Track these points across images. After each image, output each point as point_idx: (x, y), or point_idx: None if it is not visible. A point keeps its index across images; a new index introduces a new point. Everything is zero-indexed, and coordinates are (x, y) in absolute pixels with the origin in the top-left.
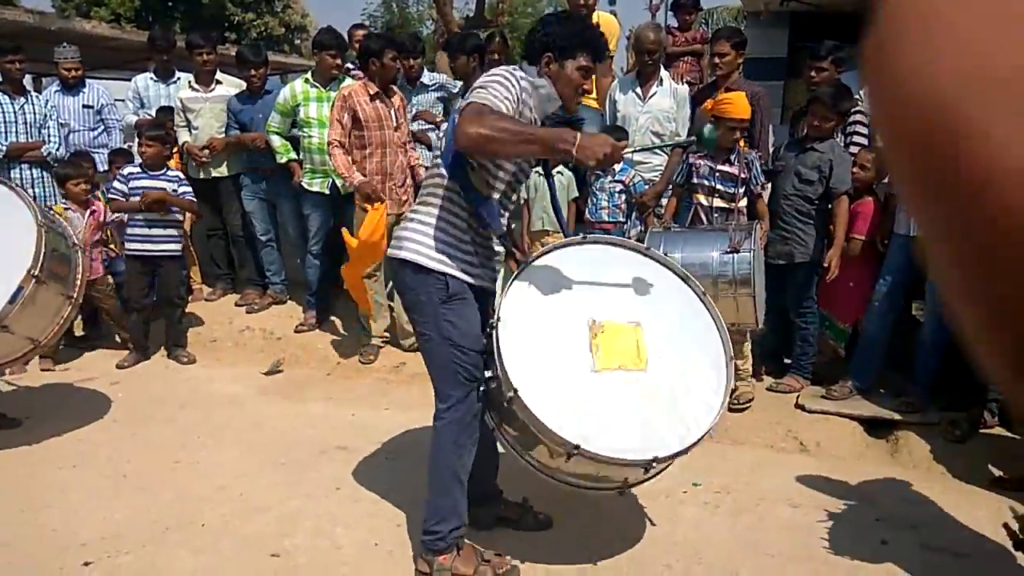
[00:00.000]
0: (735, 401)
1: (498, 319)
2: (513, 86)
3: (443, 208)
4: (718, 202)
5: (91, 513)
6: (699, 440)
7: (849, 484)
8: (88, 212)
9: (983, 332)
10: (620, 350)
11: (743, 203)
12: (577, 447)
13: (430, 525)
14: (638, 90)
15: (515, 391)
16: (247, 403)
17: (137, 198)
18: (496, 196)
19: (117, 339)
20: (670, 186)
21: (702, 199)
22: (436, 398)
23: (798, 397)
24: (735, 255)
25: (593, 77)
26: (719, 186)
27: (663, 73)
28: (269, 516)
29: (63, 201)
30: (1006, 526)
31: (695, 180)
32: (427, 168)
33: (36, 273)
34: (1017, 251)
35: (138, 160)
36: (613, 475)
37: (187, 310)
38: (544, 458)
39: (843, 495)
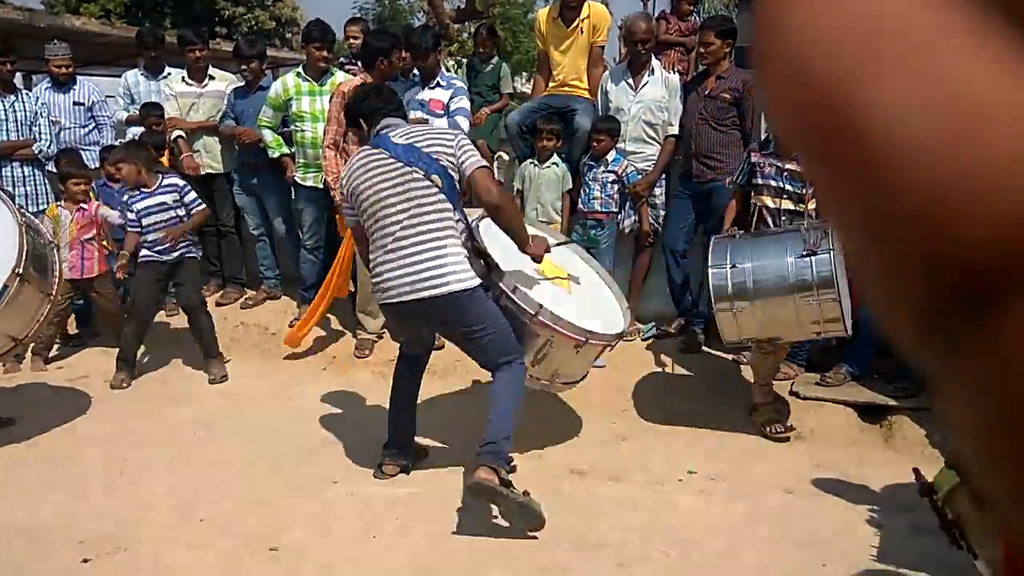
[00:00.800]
0: (772, 431)
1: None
2: None
3: (460, 234)
4: (786, 204)
5: (89, 510)
6: (622, 333)
7: (844, 469)
8: (76, 209)
9: (885, 297)
10: (554, 271)
11: (812, 204)
12: (591, 332)
13: (502, 443)
14: (630, 80)
15: (540, 306)
16: (242, 398)
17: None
18: None
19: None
20: (662, 174)
21: (768, 201)
22: (502, 357)
23: (792, 384)
24: (813, 257)
25: (583, 68)
26: (787, 186)
27: (654, 63)
28: (267, 510)
29: (59, 202)
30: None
31: (759, 181)
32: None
33: (20, 271)
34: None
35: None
36: (589, 356)
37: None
38: (556, 363)
39: (838, 480)
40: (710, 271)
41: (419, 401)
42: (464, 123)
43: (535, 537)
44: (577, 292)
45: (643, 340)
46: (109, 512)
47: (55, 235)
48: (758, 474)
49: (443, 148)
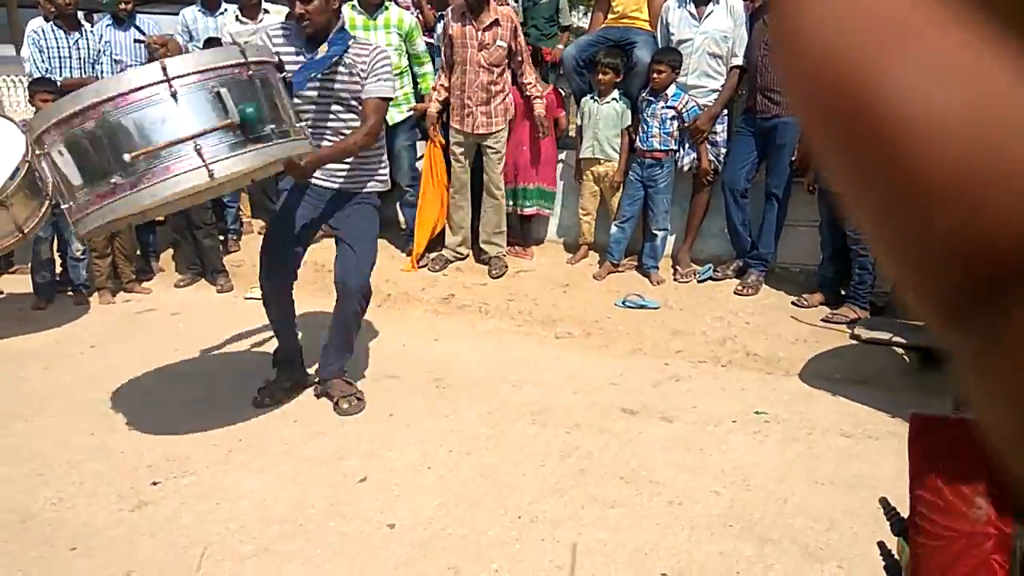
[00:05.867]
0: None
1: None
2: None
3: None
4: None
5: (157, 437)
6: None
7: (902, 415)
8: None
9: (911, 282)
10: None
11: None
12: None
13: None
14: (692, 9)
15: None
16: (301, 333)
17: None
18: None
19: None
20: (724, 109)
21: None
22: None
23: (854, 327)
24: None
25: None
26: None
27: None
28: (326, 440)
29: None
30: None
31: None
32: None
33: (29, 159)
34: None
35: None
36: None
37: (239, 242)
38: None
39: (896, 425)
40: None
41: (461, 340)
42: None
43: (584, 472)
44: None
45: (699, 282)
46: (177, 439)
47: None
48: (814, 417)
49: None
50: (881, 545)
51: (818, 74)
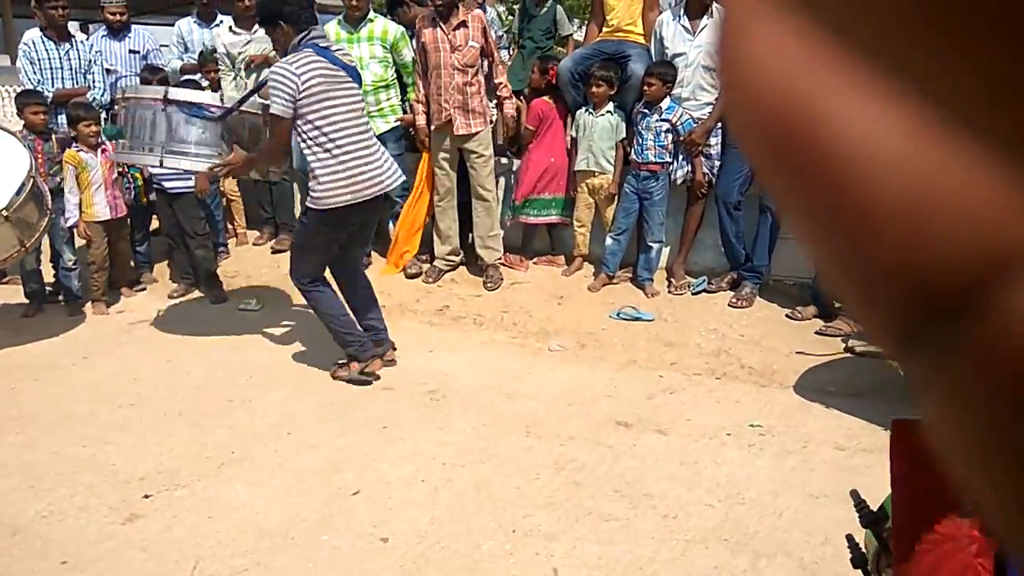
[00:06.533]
0: None
1: None
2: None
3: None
4: None
5: (149, 449)
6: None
7: None
8: (100, 151)
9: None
10: None
11: None
12: None
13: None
14: (687, 23)
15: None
16: (294, 345)
17: None
18: None
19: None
20: (718, 122)
21: None
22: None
23: (848, 340)
24: None
25: (638, 13)
26: None
27: (714, 5)
28: (319, 453)
29: (74, 145)
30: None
31: None
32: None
33: (35, 175)
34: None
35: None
36: None
37: (232, 254)
38: None
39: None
40: None
41: (456, 352)
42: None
43: (579, 485)
44: None
45: (693, 294)
46: (169, 451)
47: (78, 179)
48: (808, 430)
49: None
50: (849, 538)
51: (763, 118)
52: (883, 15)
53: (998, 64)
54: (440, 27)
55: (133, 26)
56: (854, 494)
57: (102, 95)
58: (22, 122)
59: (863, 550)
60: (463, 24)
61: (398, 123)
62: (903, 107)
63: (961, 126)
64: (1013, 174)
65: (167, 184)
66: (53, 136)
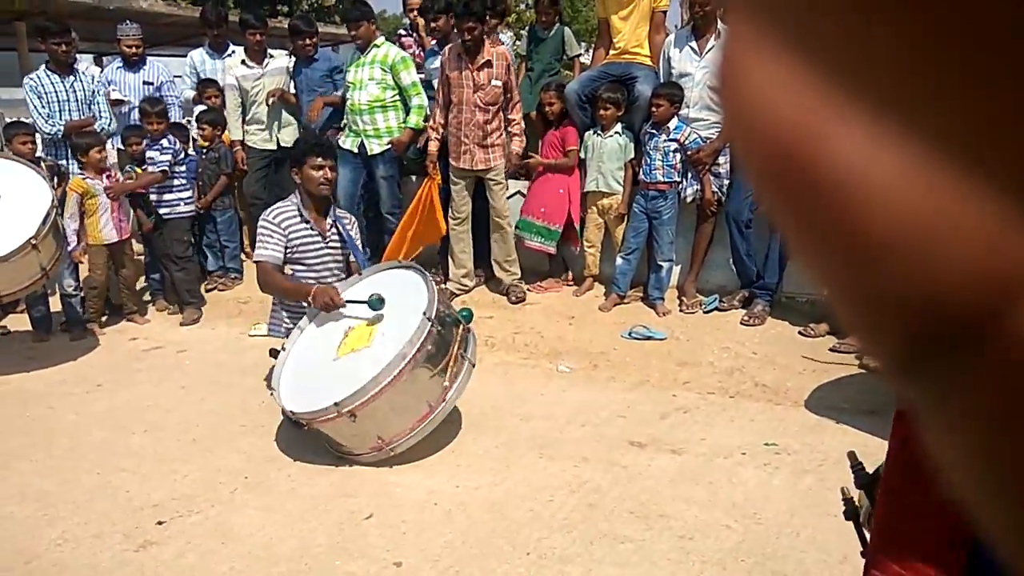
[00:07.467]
0: None
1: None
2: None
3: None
4: None
5: (163, 475)
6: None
7: None
8: (105, 176)
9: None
10: (355, 340)
11: None
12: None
13: None
14: (694, 44)
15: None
16: None
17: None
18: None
19: (126, 308)
20: (726, 144)
21: None
22: None
23: (863, 358)
24: None
25: (644, 35)
26: None
27: (720, 25)
28: (332, 477)
29: (79, 172)
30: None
31: None
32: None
33: (57, 207)
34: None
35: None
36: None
37: (245, 280)
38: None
39: None
40: None
41: (480, 375)
42: None
43: (593, 506)
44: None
45: (705, 312)
46: (183, 477)
47: (83, 205)
48: (824, 448)
49: None
50: (843, 491)
51: (763, 149)
52: (873, 54)
53: (984, 102)
54: (467, 65)
55: (148, 58)
56: (851, 455)
57: (108, 124)
58: (11, 152)
59: (856, 504)
60: (488, 64)
61: (390, 145)
62: (896, 140)
63: (953, 158)
64: (1007, 203)
65: (162, 210)
66: (42, 164)
